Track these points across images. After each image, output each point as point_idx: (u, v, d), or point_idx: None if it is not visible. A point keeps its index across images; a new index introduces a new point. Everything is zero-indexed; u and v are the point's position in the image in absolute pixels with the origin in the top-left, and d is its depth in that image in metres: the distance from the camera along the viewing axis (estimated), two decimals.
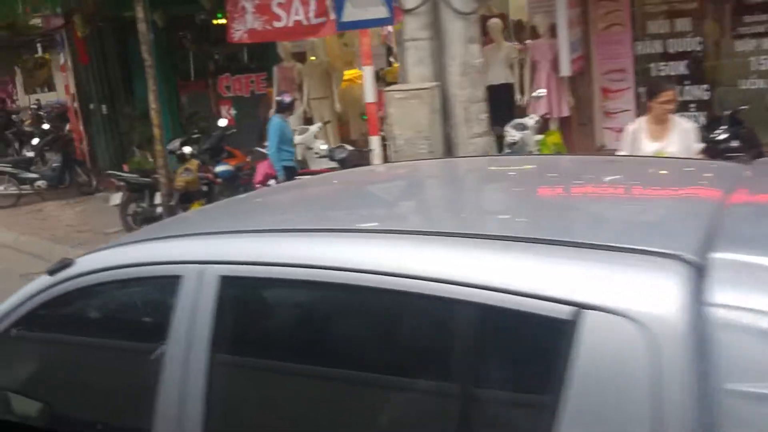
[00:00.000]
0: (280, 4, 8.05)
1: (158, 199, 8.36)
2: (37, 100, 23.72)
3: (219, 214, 2.65)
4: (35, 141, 12.29)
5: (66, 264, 2.12)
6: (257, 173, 7.20)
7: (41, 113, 19.08)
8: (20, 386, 2.38)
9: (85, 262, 2.11)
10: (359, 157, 6.90)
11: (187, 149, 8.88)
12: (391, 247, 1.66)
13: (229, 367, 1.84)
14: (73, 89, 12.66)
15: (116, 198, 8.44)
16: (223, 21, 10.31)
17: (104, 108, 12.55)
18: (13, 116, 16.90)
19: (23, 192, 11.76)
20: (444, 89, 5.52)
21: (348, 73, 10.18)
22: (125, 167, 12.51)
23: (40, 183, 11.75)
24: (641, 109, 8.22)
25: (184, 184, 7.42)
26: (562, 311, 1.34)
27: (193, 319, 1.80)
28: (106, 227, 9.54)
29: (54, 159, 11.89)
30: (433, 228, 1.84)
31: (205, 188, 7.41)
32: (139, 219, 8.59)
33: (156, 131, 8.11)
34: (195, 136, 9.30)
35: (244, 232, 1.99)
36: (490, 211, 2.15)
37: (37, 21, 17.02)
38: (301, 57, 9.65)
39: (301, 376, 1.79)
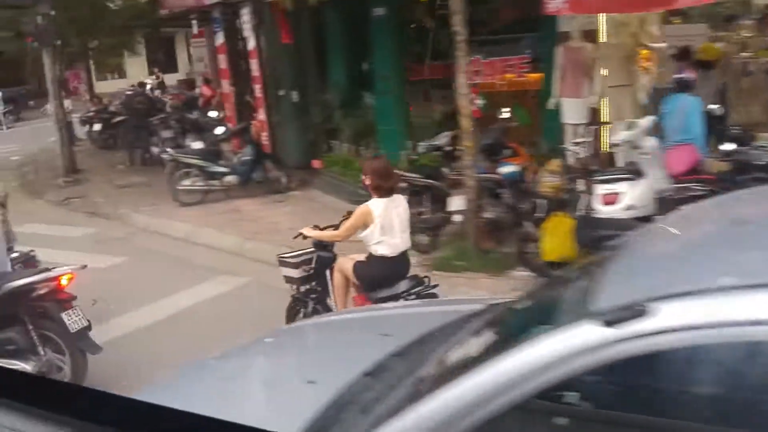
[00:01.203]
0: None
1: (455, 204, 6.79)
2: (132, 85, 22.53)
3: None
4: (219, 130, 10.80)
5: (636, 313, 1.54)
6: (673, 164, 5.49)
7: (164, 99, 17.74)
8: None
9: (670, 313, 1.53)
10: None
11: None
12: None
13: None
14: (256, 72, 11.14)
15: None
16: None
17: (295, 95, 11.04)
18: (166, 101, 15.46)
19: (211, 188, 10.33)
20: None
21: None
22: (316, 163, 10.99)
23: (231, 178, 10.28)
24: None
25: (553, 191, 5.75)
26: None
27: None
28: None
29: (245, 152, 10.40)
30: None
31: (566, 196, 5.72)
32: (418, 228, 7.01)
33: (464, 122, 6.60)
34: None
35: None
36: None
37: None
38: (589, 37, 7.95)
39: None
